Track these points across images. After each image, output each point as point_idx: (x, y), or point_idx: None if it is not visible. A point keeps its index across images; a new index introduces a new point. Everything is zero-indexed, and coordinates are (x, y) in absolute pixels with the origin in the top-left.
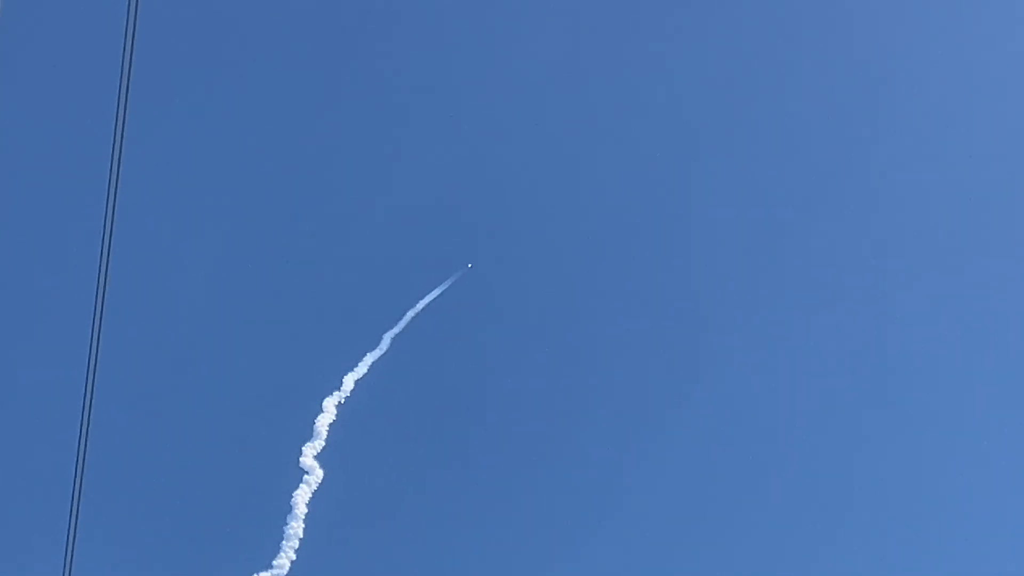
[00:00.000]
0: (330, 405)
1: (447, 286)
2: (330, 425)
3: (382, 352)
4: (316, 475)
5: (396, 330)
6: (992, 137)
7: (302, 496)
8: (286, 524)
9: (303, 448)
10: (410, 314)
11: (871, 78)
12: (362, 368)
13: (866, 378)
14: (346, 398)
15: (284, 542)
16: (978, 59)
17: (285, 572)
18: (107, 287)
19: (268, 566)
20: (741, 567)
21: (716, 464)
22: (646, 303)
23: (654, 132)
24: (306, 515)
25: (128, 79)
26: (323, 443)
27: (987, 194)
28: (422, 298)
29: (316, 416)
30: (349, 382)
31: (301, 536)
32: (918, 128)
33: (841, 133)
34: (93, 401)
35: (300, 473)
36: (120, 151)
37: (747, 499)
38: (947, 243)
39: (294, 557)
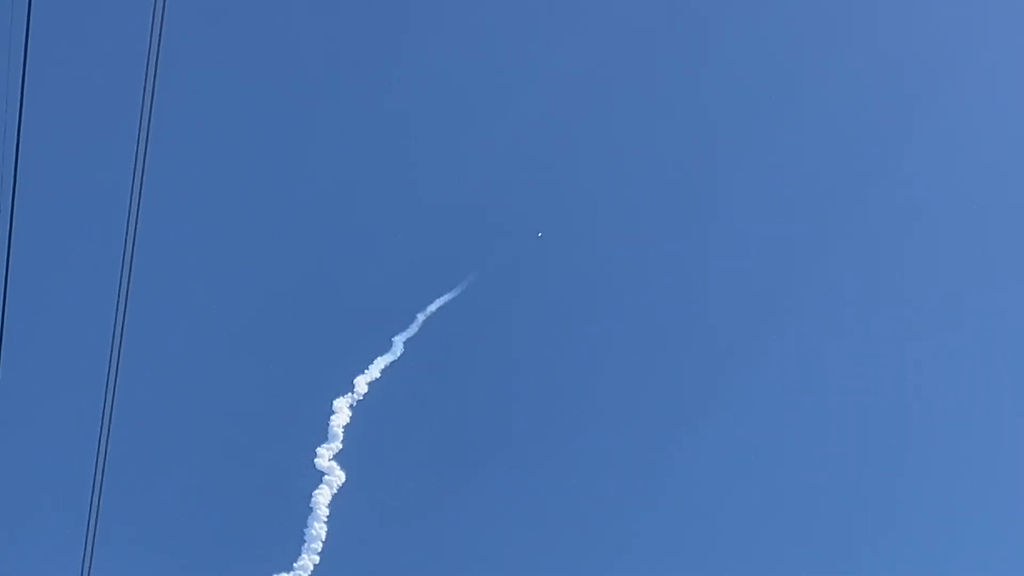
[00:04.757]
0: (343, 406)
1: (460, 290)
2: (345, 426)
3: (395, 357)
4: (335, 476)
5: (408, 334)
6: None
7: (323, 497)
8: (307, 526)
9: (318, 449)
10: (421, 317)
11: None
12: (374, 371)
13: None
14: (359, 401)
15: (306, 543)
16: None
17: (308, 574)
18: (128, 292)
19: (289, 568)
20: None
21: (738, 467)
22: (671, 304)
23: (674, 132)
24: (328, 516)
25: (153, 83)
26: (340, 445)
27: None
28: (433, 301)
29: (329, 418)
30: (361, 384)
31: (323, 538)
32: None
33: (861, 139)
34: (114, 405)
35: (318, 475)
36: (144, 158)
37: (769, 507)
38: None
39: (317, 560)
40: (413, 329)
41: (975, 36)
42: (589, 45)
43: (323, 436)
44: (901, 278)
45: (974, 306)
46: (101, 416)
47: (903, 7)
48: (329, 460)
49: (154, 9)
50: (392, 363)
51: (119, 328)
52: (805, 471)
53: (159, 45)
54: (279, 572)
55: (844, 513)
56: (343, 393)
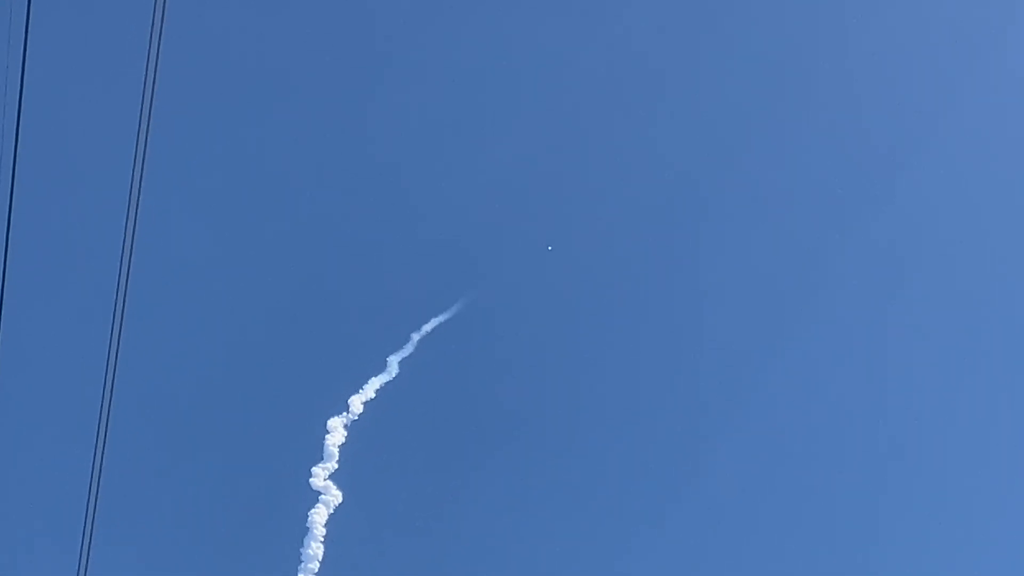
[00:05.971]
0: (338, 425)
1: (456, 310)
2: (340, 446)
3: (390, 377)
4: (332, 495)
5: (403, 353)
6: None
7: (319, 517)
8: (303, 546)
9: (314, 469)
10: (416, 337)
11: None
12: (369, 390)
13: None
14: (354, 420)
15: (303, 563)
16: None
17: None
18: (124, 310)
19: None
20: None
21: (743, 472)
22: (669, 323)
23: (683, 141)
24: (324, 536)
25: (153, 85)
26: (335, 464)
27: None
28: (428, 321)
29: (324, 437)
30: (356, 403)
31: (320, 558)
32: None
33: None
34: (108, 425)
35: (314, 494)
36: (140, 176)
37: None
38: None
39: None
40: (408, 349)
41: (981, 42)
42: (592, 56)
43: (318, 456)
44: (909, 284)
45: (981, 308)
46: (96, 435)
47: (910, 12)
48: (325, 480)
49: (154, 9)
50: (387, 383)
51: (114, 346)
52: (815, 472)
53: (159, 45)
54: None
55: (849, 515)
56: (338, 413)
